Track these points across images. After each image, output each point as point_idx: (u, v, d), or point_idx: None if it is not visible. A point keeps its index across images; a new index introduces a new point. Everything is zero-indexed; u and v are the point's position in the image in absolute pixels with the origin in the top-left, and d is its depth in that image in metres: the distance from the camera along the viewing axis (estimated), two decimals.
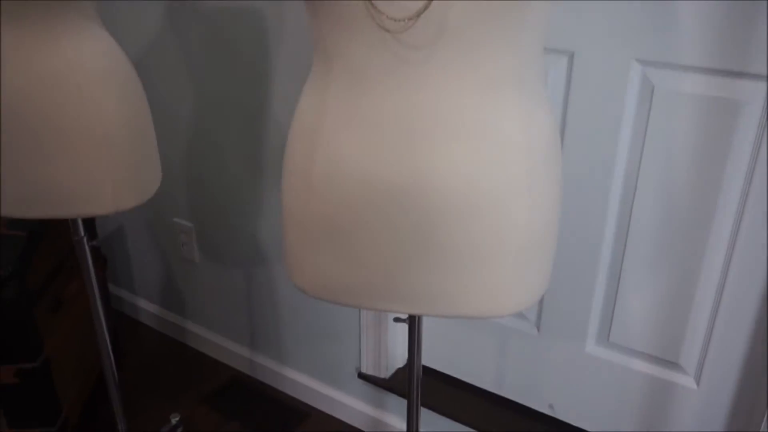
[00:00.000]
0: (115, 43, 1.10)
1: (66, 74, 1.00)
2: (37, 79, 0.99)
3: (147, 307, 2.18)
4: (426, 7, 0.67)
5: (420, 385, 1.10)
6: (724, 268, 1.19)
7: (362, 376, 1.70)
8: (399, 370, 1.70)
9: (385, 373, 1.67)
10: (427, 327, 1.59)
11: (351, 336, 1.67)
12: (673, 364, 1.31)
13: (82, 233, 1.22)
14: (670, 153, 1.16)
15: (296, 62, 1.48)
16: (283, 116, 1.56)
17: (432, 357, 1.64)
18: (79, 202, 1.05)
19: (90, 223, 1.87)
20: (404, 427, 1.68)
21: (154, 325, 2.19)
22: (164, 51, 1.71)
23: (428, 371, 1.65)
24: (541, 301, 1.41)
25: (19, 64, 0.98)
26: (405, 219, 0.77)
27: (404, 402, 1.64)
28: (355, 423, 1.77)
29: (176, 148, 1.80)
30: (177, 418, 1.76)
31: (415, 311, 0.84)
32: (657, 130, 1.16)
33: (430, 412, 1.59)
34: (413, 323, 1.01)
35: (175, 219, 1.92)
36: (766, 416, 1.19)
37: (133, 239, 2.09)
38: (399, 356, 1.69)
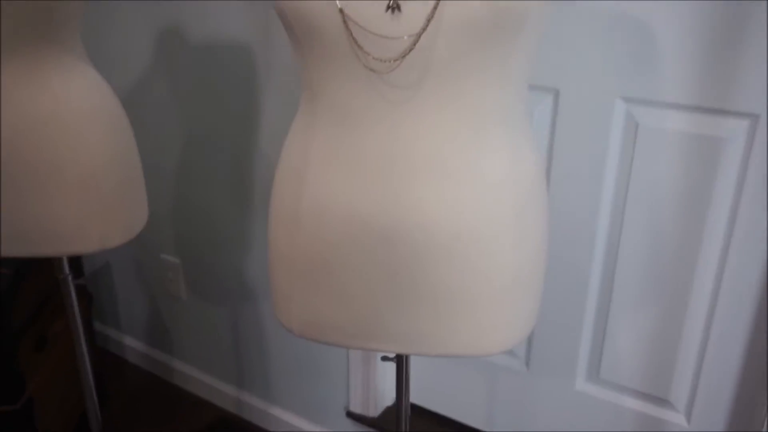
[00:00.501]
0: (102, 79, 1.10)
1: (53, 112, 1.00)
2: (23, 117, 0.99)
3: (133, 345, 2.15)
4: (411, 48, 0.68)
5: (409, 424, 1.08)
6: (711, 303, 1.19)
7: (350, 414, 1.67)
8: (388, 408, 1.68)
9: (374, 412, 1.65)
10: (415, 364, 1.58)
11: (339, 374, 1.66)
12: (663, 401, 1.30)
13: (67, 271, 1.21)
14: (655, 190, 1.17)
15: (285, 97, 1.49)
16: (271, 152, 1.57)
17: (421, 395, 1.62)
18: (65, 241, 1.04)
19: (76, 259, 1.85)
20: None
21: (139, 363, 2.15)
22: (152, 86, 1.71)
23: (417, 409, 1.63)
24: (530, 338, 1.41)
25: (5, 102, 0.98)
26: (391, 257, 0.77)
27: None
28: None
29: (164, 183, 1.80)
30: None
31: (402, 350, 0.83)
32: (642, 167, 1.17)
33: None
34: (401, 362, 1.00)
35: (162, 255, 1.91)
36: None
37: (120, 275, 2.07)
38: (388, 394, 1.67)
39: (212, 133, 1.65)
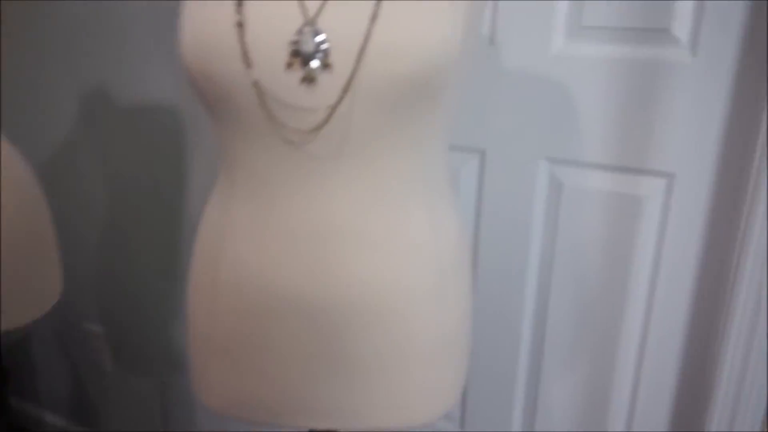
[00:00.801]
0: (10, 148, 1.05)
1: None
2: None
3: (53, 421, 2.02)
4: (327, 120, 0.67)
5: None
6: (639, 354, 1.20)
7: None
8: None
9: None
10: None
11: None
12: None
13: None
14: (581, 247, 1.19)
15: (214, 164, 1.46)
16: (198, 218, 1.53)
17: None
18: None
19: None
20: None
21: None
22: (76, 150, 1.66)
23: None
24: (464, 399, 1.39)
25: None
26: (313, 330, 0.74)
27: None
28: None
29: (87, 250, 1.73)
30: None
31: (331, 426, 0.80)
32: (567, 226, 1.19)
33: None
34: None
35: (85, 324, 1.82)
36: None
37: (40, 347, 1.96)
38: None
39: (138, 199, 1.61)
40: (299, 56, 0.67)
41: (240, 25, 0.68)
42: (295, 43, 0.66)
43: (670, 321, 1.16)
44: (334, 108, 0.67)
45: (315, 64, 0.66)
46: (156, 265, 1.63)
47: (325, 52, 0.66)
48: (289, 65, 0.67)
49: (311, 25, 0.67)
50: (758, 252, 1.00)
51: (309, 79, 0.67)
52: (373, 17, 0.65)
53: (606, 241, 1.17)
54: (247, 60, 0.67)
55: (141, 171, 1.57)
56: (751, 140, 1.00)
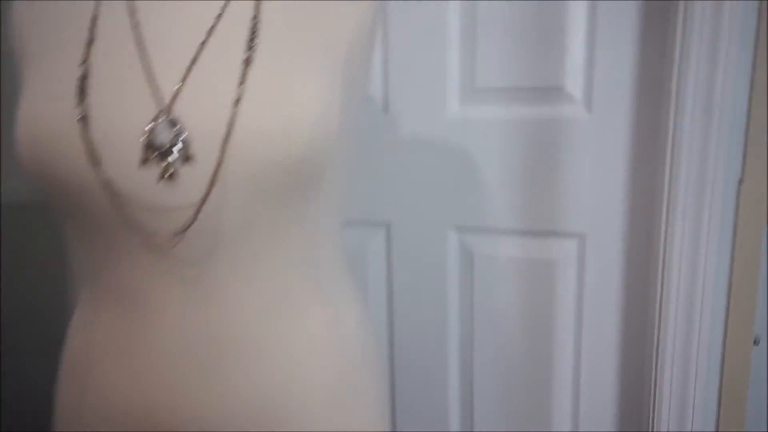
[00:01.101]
0: None
1: None
2: None
3: None
4: (194, 219, 0.58)
5: None
6: (573, 416, 1.15)
7: None
8: None
9: None
10: None
11: None
12: None
13: None
14: (500, 316, 1.13)
15: None
16: None
17: None
18: None
19: None
20: None
21: None
22: None
23: None
24: None
25: None
26: None
27: None
28: None
29: None
30: None
31: None
32: (483, 296, 1.13)
33: None
34: None
35: None
36: None
37: None
38: None
39: (21, 301, 1.45)
40: (155, 150, 0.58)
41: (83, 119, 0.58)
42: (149, 134, 0.57)
43: (600, 378, 1.12)
44: (200, 204, 0.58)
45: (174, 157, 0.58)
46: (44, 369, 1.47)
47: (185, 142, 0.58)
48: (144, 161, 0.58)
49: (167, 113, 0.58)
50: (679, 297, 0.97)
51: (169, 174, 0.58)
52: (237, 99, 0.57)
53: (525, 306, 1.11)
54: (93, 158, 0.57)
55: (23, 269, 1.43)
56: (656, 189, 0.98)
